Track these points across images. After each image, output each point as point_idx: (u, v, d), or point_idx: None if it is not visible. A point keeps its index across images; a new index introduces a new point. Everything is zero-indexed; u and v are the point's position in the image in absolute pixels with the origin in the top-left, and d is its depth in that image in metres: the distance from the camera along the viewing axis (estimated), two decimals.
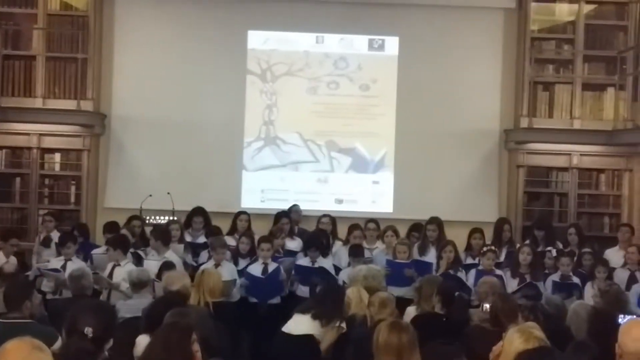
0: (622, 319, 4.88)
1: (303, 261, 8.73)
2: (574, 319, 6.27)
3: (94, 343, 4.10)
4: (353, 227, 9.51)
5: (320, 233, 9.35)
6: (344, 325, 6.43)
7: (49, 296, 7.99)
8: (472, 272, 8.48)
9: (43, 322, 5.92)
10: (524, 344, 4.08)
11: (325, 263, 8.68)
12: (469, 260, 9.07)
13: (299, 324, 6.54)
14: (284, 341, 6.57)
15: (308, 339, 6.46)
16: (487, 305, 6.37)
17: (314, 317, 6.47)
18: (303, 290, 8.56)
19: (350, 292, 6.83)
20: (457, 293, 7.21)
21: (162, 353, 4.01)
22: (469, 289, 8.09)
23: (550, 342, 4.30)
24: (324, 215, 9.86)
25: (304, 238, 9.38)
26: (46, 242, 9.32)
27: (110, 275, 7.94)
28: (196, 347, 4.14)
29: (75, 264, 8.03)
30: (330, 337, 6.43)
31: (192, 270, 7.93)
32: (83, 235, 9.25)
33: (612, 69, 11.20)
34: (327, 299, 6.61)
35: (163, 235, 8.58)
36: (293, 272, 8.69)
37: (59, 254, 8.60)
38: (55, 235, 9.32)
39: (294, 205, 10.35)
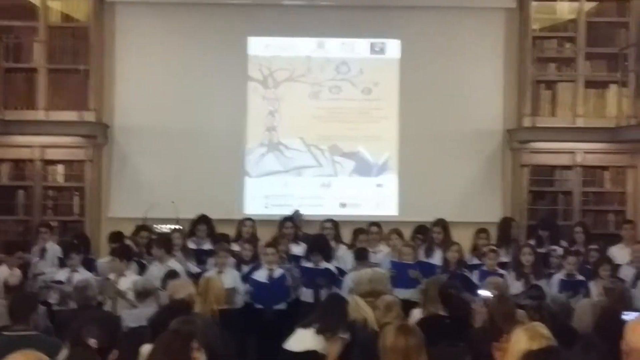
0: (628, 316, 4.85)
1: (307, 264, 8.73)
2: (580, 317, 6.26)
3: (98, 354, 4.10)
4: (358, 231, 9.54)
5: (321, 238, 9.33)
6: (347, 335, 6.38)
7: (54, 307, 7.98)
8: (476, 272, 8.47)
9: (48, 333, 5.91)
10: (529, 342, 4.06)
11: (330, 266, 8.68)
12: (475, 261, 9.05)
13: (302, 340, 6.43)
14: (286, 359, 6.51)
15: (311, 355, 6.40)
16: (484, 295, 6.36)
17: (319, 331, 6.40)
18: (307, 295, 8.56)
19: None
20: (454, 291, 7.10)
21: None
22: (477, 286, 7.98)
23: (556, 341, 4.28)
24: (327, 220, 9.82)
25: (307, 243, 9.37)
26: (41, 253, 9.29)
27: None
28: (196, 354, 4.13)
29: (82, 275, 8.05)
30: (336, 350, 6.35)
31: (195, 278, 7.90)
32: (83, 245, 9.20)
33: (614, 66, 11.15)
34: (330, 310, 6.55)
35: (166, 243, 8.58)
36: (297, 274, 8.67)
37: (62, 265, 8.61)
38: (50, 246, 9.31)
39: (295, 211, 10.33)
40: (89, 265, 8.85)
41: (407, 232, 9.64)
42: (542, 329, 4.40)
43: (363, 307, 6.65)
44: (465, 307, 6.69)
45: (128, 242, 9.16)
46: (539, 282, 8.29)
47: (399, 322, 5.37)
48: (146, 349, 4.96)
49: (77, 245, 8.81)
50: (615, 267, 8.51)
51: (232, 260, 8.73)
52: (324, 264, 8.63)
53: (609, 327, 5.11)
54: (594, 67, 11.27)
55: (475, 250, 9.25)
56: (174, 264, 8.26)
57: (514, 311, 5.82)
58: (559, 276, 8.36)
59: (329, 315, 6.44)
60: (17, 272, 8.65)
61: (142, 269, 8.42)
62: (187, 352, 4.06)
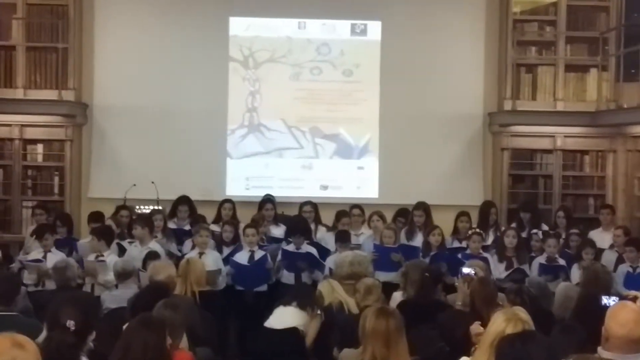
0: (607, 300, 4.87)
1: (289, 247, 8.71)
2: (560, 301, 6.28)
3: (76, 336, 4.07)
4: (341, 214, 9.45)
5: (300, 219, 9.32)
6: (322, 313, 6.47)
7: (30, 288, 7.90)
8: (459, 255, 8.48)
9: (27, 314, 5.88)
10: (504, 324, 4.05)
11: (311, 249, 8.66)
12: (456, 244, 9.06)
13: (283, 318, 6.51)
14: (267, 337, 6.53)
15: (292, 332, 6.44)
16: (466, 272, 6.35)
17: (300, 306, 6.46)
18: (288, 277, 8.54)
19: (320, 286, 6.96)
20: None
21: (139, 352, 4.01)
22: (462, 262, 7.90)
23: (534, 325, 4.29)
24: (305, 203, 9.73)
25: (285, 224, 9.37)
26: None
27: None
28: (169, 340, 4.16)
29: (55, 256, 8.01)
30: (315, 327, 6.43)
31: (176, 260, 7.88)
32: (66, 226, 9.16)
33: (594, 49, 11.19)
34: (304, 289, 6.64)
35: (149, 222, 8.54)
36: (279, 257, 8.66)
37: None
38: None
39: (267, 195, 10.22)
40: (71, 245, 8.81)
41: (388, 215, 9.62)
42: (520, 312, 4.40)
43: (339, 290, 6.71)
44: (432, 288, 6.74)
45: (109, 222, 9.10)
46: (522, 266, 8.32)
47: (378, 305, 5.40)
48: None
49: (52, 226, 8.75)
50: (600, 251, 8.57)
51: (212, 241, 8.71)
52: (305, 248, 8.61)
53: (588, 311, 5.14)
54: (574, 51, 11.30)
55: (456, 233, 9.26)
56: (154, 245, 8.23)
57: (494, 294, 5.85)
58: (539, 260, 8.40)
59: (304, 292, 6.54)
60: None
61: (121, 252, 8.36)
62: (162, 342, 4.07)
